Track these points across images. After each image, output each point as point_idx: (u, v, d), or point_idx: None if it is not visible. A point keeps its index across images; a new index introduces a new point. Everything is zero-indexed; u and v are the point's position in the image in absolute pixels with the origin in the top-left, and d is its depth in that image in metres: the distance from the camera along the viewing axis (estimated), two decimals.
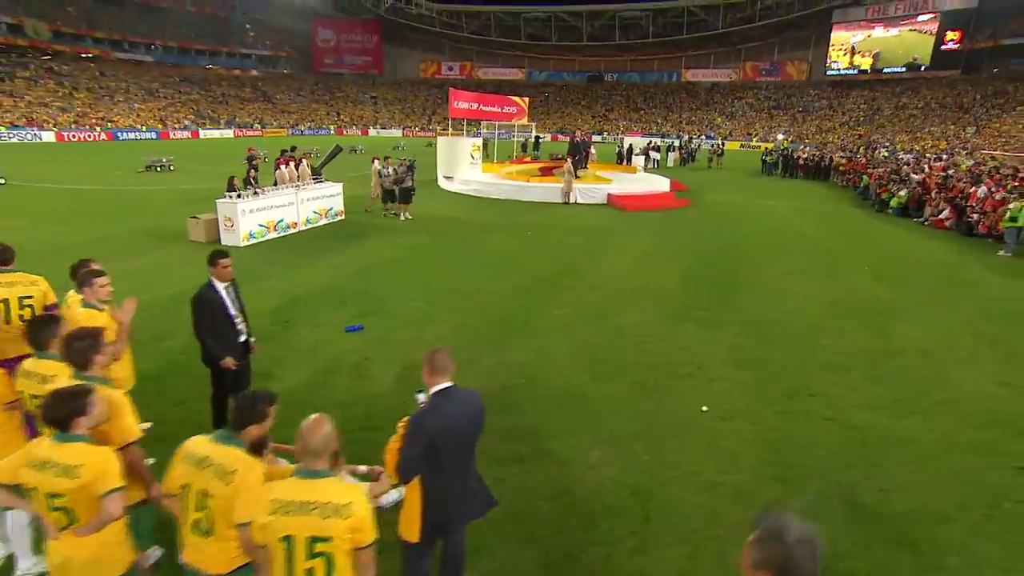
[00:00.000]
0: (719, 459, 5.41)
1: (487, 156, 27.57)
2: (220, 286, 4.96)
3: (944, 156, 31.41)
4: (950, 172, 21.70)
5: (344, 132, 63.17)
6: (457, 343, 7.79)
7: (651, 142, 34.38)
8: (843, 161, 30.13)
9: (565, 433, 5.76)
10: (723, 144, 35.76)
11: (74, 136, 44.53)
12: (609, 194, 19.56)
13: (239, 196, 12.61)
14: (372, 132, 65.32)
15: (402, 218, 15.69)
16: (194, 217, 12.86)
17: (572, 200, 19.38)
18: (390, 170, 15.57)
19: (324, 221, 14.84)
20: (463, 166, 21.56)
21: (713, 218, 17.98)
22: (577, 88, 79.90)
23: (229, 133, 53.13)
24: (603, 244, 13.99)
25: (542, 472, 5.18)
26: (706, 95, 73.56)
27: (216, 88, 65.28)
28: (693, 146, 38.45)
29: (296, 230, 13.86)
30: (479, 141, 23.24)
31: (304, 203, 14.12)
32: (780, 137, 55.75)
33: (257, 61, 73.39)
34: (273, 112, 65.32)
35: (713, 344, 7.97)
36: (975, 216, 16.20)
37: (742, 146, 58.23)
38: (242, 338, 5.14)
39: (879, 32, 61.69)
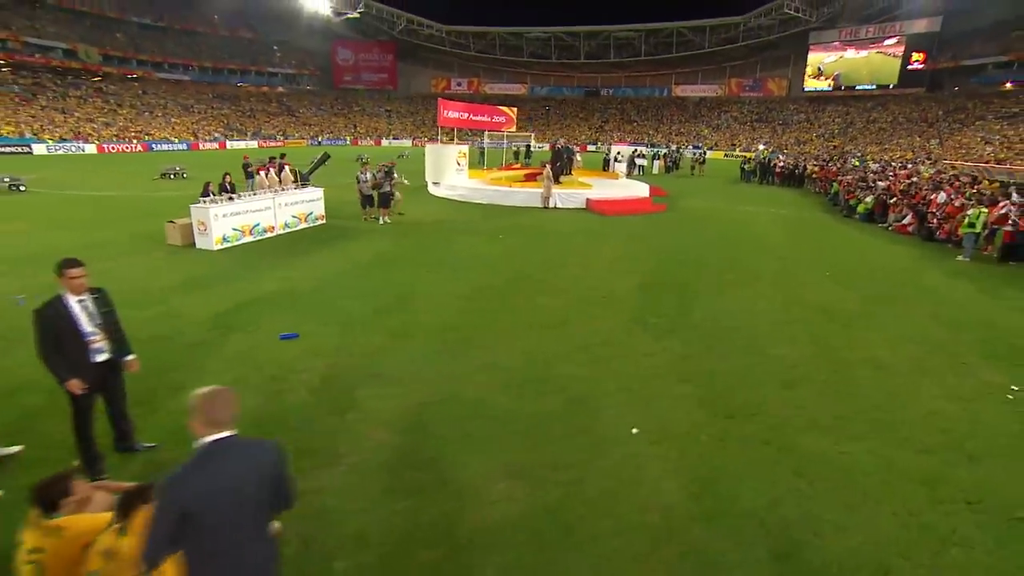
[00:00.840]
0: (640, 494, 4.38)
1: (483, 163, 26.65)
2: (71, 299, 3.98)
3: (909, 165, 29.99)
4: (914, 179, 20.45)
5: (359, 142, 62.27)
6: (393, 353, 6.81)
7: (636, 150, 33.08)
8: (816, 169, 28.82)
9: (476, 459, 4.75)
10: (705, 153, 34.40)
11: (113, 148, 43.88)
12: (588, 199, 18.45)
13: (213, 201, 11.68)
14: (385, 142, 64.35)
15: (381, 222, 14.67)
16: (171, 222, 11.95)
17: (552, 205, 18.28)
18: (368, 175, 14.57)
19: (304, 225, 13.85)
20: (450, 172, 20.52)
21: (686, 223, 16.82)
22: (576, 102, 78.56)
23: (254, 144, 52.32)
24: (572, 248, 12.88)
25: (436, 507, 4.17)
26: (694, 109, 72.02)
27: (245, 103, 64.58)
28: (677, 154, 37.07)
29: (273, 234, 12.89)
30: (465, 148, 22.15)
31: (283, 208, 13.14)
32: (761, 147, 54.13)
33: (283, 79, 72.58)
34: (296, 125, 64.53)
35: (662, 355, 6.89)
36: (935, 222, 15.00)
37: (726, 155, 56.92)
38: (100, 357, 4.15)
39: (850, 54, 59.93)
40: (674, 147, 49.22)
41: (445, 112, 21.03)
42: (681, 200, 22.03)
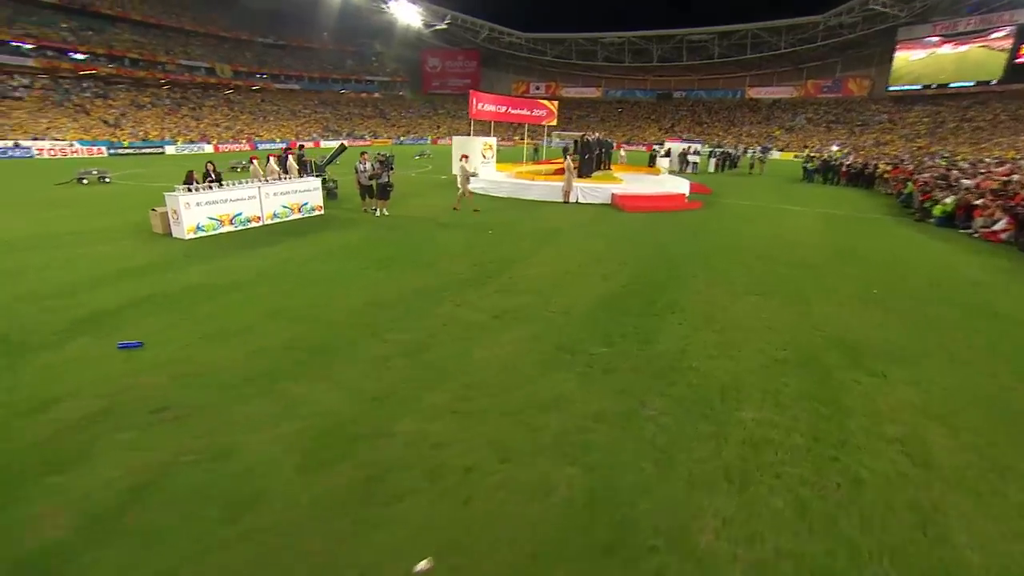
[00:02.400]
0: None
1: (538, 158, 24.37)
2: None
3: (1009, 162, 23.93)
4: (1014, 177, 15.59)
5: (438, 142, 61.61)
6: (222, 378, 4.75)
7: (689, 147, 28.96)
8: (888, 168, 23.65)
9: None
10: (766, 152, 29.51)
11: (226, 148, 45.67)
12: (613, 194, 15.51)
13: (190, 189, 10.24)
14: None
15: (378, 214, 12.72)
16: (153, 209, 10.67)
17: (573, 200, 15.55)
18: (367, 166, 12.64)
19: (296, 216, 12.17)
20: (475, 164, 18.24)
21: (714, 222, 13.48)
22: (648, 104, 73.39)
23: (345, 143, 52.94)
24: (559, 247, 10.12)
25: None
26: (767, 110, 64.74)
27: (344, 108, 65.91)
28: (735, 153, 32.32)
29: (257, 224, 11.30)
30: (492, 140, 19.71)
31: (270, 198, 11.51)
32: (834, 148, 47.19)
33: (379, 86, 73.34)
34: (386, 126, 64.99)
35: (566, 409, 4.30)
36: None
37: (796, 156, 50.31)
38: None
39: (946, 49, 50.52)
40: (742, 147, 43.92)
41: (478, 105, 18.73)
42: (725, 198, 18.42)
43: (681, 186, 17.58)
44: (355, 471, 3.48)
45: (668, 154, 26.47)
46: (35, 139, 38.33)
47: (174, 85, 55.30)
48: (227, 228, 10.72)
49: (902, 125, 52.37)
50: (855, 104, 59.42)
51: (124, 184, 20.32)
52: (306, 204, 12.43)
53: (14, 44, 45.59)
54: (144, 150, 40.30)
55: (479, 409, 4.26)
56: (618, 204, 15.00)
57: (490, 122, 20.75)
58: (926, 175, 18.35)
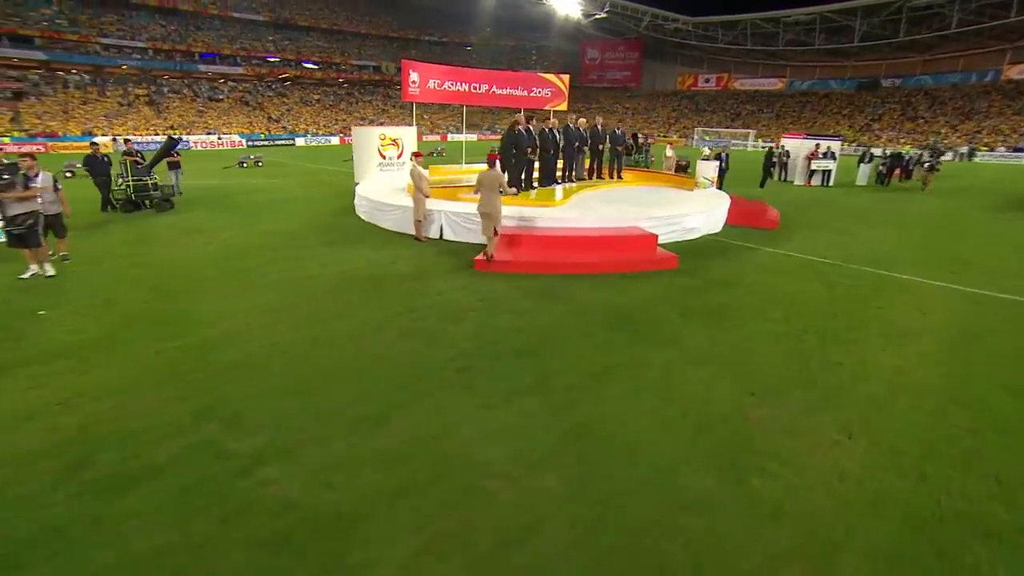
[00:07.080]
0: None
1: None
2: None
3: None
4: None
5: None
6: None
7: (818, 146, 17.59)
8: None
9: None
10: (936, 156, 16.59)
11: (314, 142, 44.26)
12: (506, 235, 8.01)
13: None
14: None
15: (28, 274, 6.72)
16: None
17: (435, 235, 8.44)
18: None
19: None
20: (370, 171, 11.84)
21: (603, 358, 5.33)
22: (841, 97, 55.02)
23: (473, 137, 50.02)
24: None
25: None
26: None
27: None
28: (911, 157, 19.29)
29: None
30: (395, 133, 12.84)
31: None
32: None
33: None
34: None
35: None
36: None
37: None
38: None
39: None
40: (955, 150, 27.91)
41: (427, 82, 12.37)
42: (787, 243, 8.95)
43: (696, 217, 8.93)
44: None
45: (710, 157, 16.05)
46: (208, 133, 42.63)
47: (345, 83, 58.58)
48: None
49: None
50: None
51: None
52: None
53: (231, 56, 52.12)
54: (277, 142, 42.17)
55: None
56: (508, 249, 7.62)
57: (462, 107, 14.21)
58: None
